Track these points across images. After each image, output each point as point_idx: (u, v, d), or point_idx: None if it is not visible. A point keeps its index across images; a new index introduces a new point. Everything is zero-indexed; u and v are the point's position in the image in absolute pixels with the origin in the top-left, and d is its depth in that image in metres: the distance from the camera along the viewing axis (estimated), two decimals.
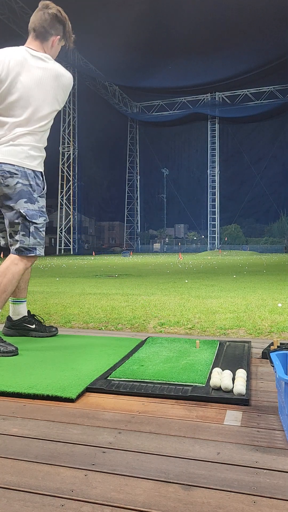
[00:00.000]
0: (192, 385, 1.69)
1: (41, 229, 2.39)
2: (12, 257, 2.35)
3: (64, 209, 45.68)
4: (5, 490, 1.01)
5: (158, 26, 36.35)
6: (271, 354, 1.48)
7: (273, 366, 1.48)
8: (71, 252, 44.06)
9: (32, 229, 2.34)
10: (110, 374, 1.84)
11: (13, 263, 2.33)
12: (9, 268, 2.31)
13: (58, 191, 45.25)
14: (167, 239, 64.79)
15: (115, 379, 1.79)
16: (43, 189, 2.41)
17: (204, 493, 0.99)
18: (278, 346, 2.19)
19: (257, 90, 47.83)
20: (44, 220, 2.41)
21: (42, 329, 2.68)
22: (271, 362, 1.69)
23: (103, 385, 1.71)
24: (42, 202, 2.40)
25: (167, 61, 40.78)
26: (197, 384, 1.70)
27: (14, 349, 2.21)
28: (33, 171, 2.35)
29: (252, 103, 48.58)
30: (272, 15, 33.67)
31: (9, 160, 2.26)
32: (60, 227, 45.58)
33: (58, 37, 2.38)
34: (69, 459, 1.16)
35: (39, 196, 2.37)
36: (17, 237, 2.34)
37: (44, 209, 2.42)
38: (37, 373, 1.87)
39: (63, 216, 45.65)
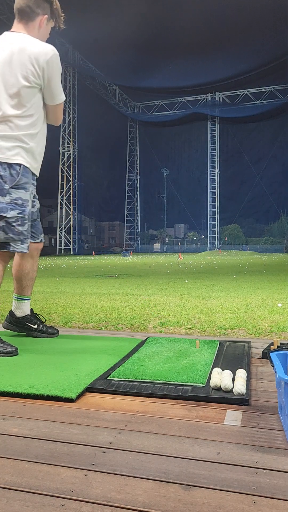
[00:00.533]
0: (192, 385, 1.69)
1: (14, 223, 2.20)
2: None
3: (64, 209, 45.66)
4: (5, 490, 1.01)
5: (158, 26, 36.35)
6: (271, 354, 1.48)
7: (273, 366, 1.48)
8: (71, 252, 44.04)
9: (2, 223, 2.18)
10: (110, 374, 1.84)
11: None
12: None
13: (58, 191, 45.26)
14: (167, 239, 64.79)
15: (115, 379, 1.79)
16: (18, 178, 2.20)
17: (204, 493, 0.99)
18: (278, 346, 2.19)
19: (257, 90, 47.81)
20: (18, 214, 2.20)
21: (43, 329, 2.66)
22: (271, 362, 1.69)
23: (103, 385, 1.71)
24: (18, 193, 2.21)
25: (167, 61, 40.77)
26: (197, 384, 1.70)
27: (13, 349, 2.20)
28: (6, 163, 2.17)
29: (252, 103, 48.57)
30: (272, 15, 33.67)
31: None
32: (60, 227, 45.58)
33: (46, 16, 2.25)
34: (69, 459, 1.16)
35: (11, 188, 2.18)
36: None
37: (21, 201, 2.22)
38: (37, 373, 1.87)
39: (63, 216, 45.65)
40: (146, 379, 1.76)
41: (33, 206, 2.47)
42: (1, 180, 2.16)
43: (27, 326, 2.64)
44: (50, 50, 2.17)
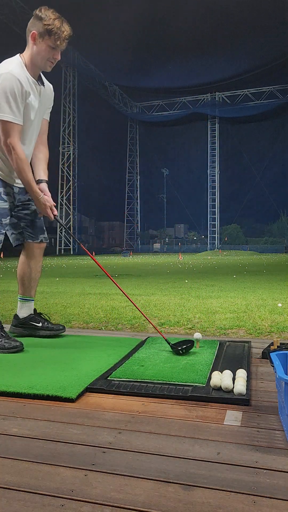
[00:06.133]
0: (192, 385, 1.69)
1: None
2: None
3: (64, 209, 45.62)
4: (5, 490, 1.01)
5: (158, 26, 36.35)
6: (271, 354, 1.48)
7: (273, 366, 1.48)
8: (71, 252, 43.98)
9: None
10: (110, 374, 1.84)
11: None
12: None
13: (58, 191, 45.20)
14: (167, 239, 64.71)
15: (115, 379, 1.79)
16: None
17: (204, 493, 0.99)
18: (278, 346, 2.19)
19: (257, 90, 47.77)
20: None
21: (49, 326, 2.66)
22: (271, 362, 1.69)
23: (103, 385, 1.71)
24: None
25: (167, 61, 40.76)
26: (197, 384, 1.70)
27: (18, 344, 2.23)
28: None
29: (252, 103, 48.52)
30: (272, 15, 33.67)
31: None
32: (60, 227, 45.53)
33: (35, 32, 2.29)
34: (69, 459, 1.16)
35: None
36: None
37: None
38: (37, 373, 1.88)
39: (63, 216, 45.57)
40: (146, 379, 1.76)
41: (27, 208, 2.60)
42: None
43: (32, 326, 2.65)
44: None
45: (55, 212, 2.49)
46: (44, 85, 2.47)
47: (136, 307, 2.48)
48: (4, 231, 2.45)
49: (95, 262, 2.62)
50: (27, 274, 2.66)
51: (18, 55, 2.36)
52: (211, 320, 3.59)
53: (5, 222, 2.44)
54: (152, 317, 3.75)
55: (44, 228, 2.71)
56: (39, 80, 2.42)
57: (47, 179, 2.56)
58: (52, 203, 2.48)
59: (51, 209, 2.46)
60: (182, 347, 2.18)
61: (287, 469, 1.10)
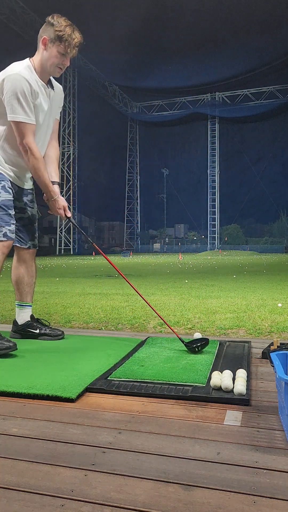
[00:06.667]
0: (192, 385, 1.69)
1: None
2: None
3: None
4: (5, 490, 1.01)
5: (158, 26, 36.34)
6: (271, 354, 1.48)
7: (273, 366, 1.48)
8: (71, 252, 43.98)
9: None
10: (110, 374, 1.84)
11: None
12: None
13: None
14: (167, 239, 64.69)
15: (115, 379, 1.79)
16: None
17: (204, 493, 0.99)
18: (278, 346, 2.19)
19: (257, 90, 47.78)
20: None
21: (46, 332, 2.65)
22: (271, 362, 1.69)
23: (103, 385, 1.71)
24: None
25: (167, 61, 40.74)
26: (197, 384, 1.70)
27: (11, 344, 2.20)
28: None
29: (252, 103, 48.54)
30: (273, 14, 33.66)
31: None
32: (60, 227, 45.55)
33: (46, 38, 2.32)
34: (69, 459, 1.16)
35: None
36: None
37: None
38: (37, 373, 1.88)
39: None
40: (146, 379, 1.76)
41: (23, 212, 2.59)
42: None
43: (30, 332, 2.64)
44: (4, 72, 2.30)
45: (69, 214, 2.51)
46: (54, 89, 2.48)
47: (152, 308, 2.50)
48: (14, 222, 2.41)
49: (110, 263, 2.61)
50: (20, 279, 2.66)
51: (27, 59, 2.37)
52: (211, 320, 3.59)
53: (13, 213, 2.41)
54: (153, 317, 3.75)
55: (36, 235, 2.70)
56: (49, 84, 2.43)
57: (58, 180, 2.56)
58: (66, 204, 2.50)
59: (64, 209, 2.48)
60: (197, 345, 2.20)
61: (287, 469, 1.10)
